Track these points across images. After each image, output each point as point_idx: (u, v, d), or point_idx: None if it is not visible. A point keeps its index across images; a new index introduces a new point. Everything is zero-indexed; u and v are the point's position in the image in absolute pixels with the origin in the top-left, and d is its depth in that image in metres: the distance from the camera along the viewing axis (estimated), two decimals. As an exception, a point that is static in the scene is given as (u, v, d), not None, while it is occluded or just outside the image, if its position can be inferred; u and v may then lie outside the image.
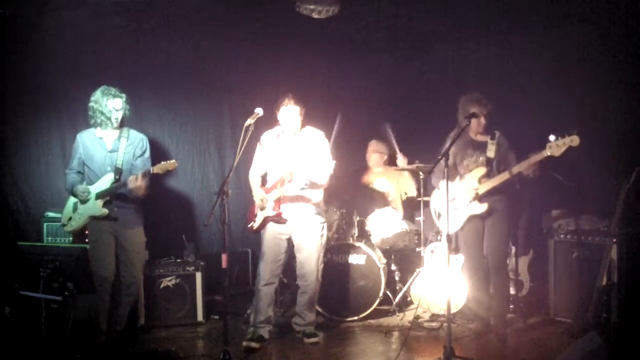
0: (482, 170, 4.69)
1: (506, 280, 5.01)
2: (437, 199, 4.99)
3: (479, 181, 4.69)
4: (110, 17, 5.38)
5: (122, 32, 5.65)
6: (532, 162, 4.46)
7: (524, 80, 5.69)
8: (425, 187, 5.70)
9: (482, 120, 4.73)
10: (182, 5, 5.20)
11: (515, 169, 4.54)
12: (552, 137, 4.32)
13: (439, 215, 4.99)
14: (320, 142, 4.76)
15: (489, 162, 4.68)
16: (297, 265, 4.85)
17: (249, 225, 4.85)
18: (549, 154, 4.35)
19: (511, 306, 5.34)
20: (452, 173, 4.80)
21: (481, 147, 4.74)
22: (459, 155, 4.82)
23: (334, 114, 6.84)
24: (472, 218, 4.78)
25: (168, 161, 4.62)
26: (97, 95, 4.62)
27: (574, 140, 4.27)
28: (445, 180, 4.48)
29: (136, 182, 4.50)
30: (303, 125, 4.76)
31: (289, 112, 4.64)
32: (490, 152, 4.67)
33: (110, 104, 4.60)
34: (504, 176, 4.59)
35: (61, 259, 4.25)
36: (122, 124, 4.73)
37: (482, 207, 4.70)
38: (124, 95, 4.64)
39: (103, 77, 4.98)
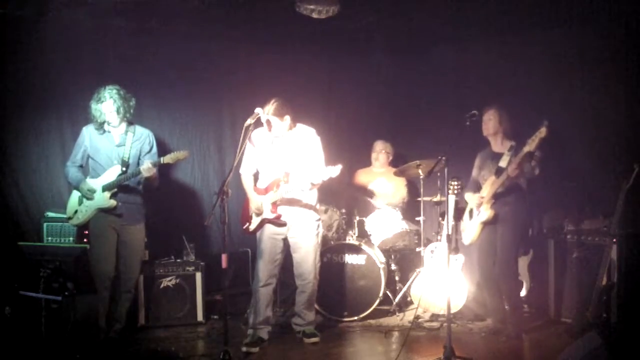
0: (493, 179, 4.77)
1: (514, 285, 5.03)
2: (465, 212, 5.10)
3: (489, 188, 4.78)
4: (110, 17, 5.39)
5: (122, 32, 5.65)
6: (516, 163, 4.55)
7: (524, 80, 5.69)
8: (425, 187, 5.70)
9: (490, 125, 4.81)
10: (182, 5, 5.20)
11: (508, 171, 4.61)
12: (544, 122, 4.40)
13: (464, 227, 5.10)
14: (312, 141, 4.73)
15: (498, 171, 4.73)
16: (294, 265, 4.84)
17: (244, 227, 4.83)
18: (525, 150, 4.47)
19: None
20: (478, 186, 4.97)
21: (499, 158, 4.81)
22: (481, 167, 4.99)
23: (333, 114, 6.86)
24: (484, 227, 4.86)
25: (179, 151, 4.64)
26: (91, 101, 4.65)
27: (542, 132, 4.38)
28: (469, 193, 5.00)
29: (150, 171, 4.54)
30: (294, 124, 4.71)
31: (264, 119, 4.58)
32: (503, 162, 4.73)
33: (101, 108, 4.62)
34: (501, 179, 4.67)
35: (61, 259, 4.26)
36: (131, 119, 4.75)
37: (487, 214, 4.79)
38: (114, 91, 4.60)
39: (103, 77, 4.99)
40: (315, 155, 4.69)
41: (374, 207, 5.90)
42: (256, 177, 4.88)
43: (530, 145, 4.45)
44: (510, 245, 4.84)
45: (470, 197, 4.98)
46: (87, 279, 4.56)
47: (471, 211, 4.98)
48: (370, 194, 6.14)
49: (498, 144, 4.90)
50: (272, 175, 4.69)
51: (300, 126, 4.76)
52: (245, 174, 4.85)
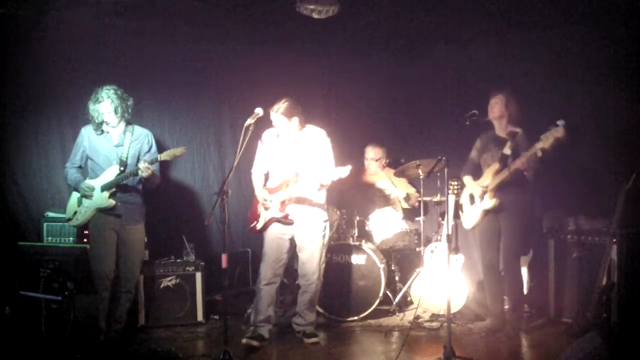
0: (496, 166, 4.76)
1: (517, 276, 5.00)
2: (463, 194, 5.07)
3: (493, 176, 4.77)
4: (110, 17, 5.39)
5: (122, 32, 5.65)
6: (527, 157, 4.53)
7: (524, 80, 5.69)
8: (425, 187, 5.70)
9: (496, 108, 4.80)
10: (182, 5, 5.20)
11: (513, 165, 4.61)
12: (560, 122, 4.38)
13: (461, 208, 5.07)
14: (321, 142, 4.75)
15: (502, 158, 4.72)
16: (298, 264, 4.85)
17: (252, 225, 4.85)
18: (539, 147, 4.43)
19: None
20: (479, 170, 4.96)
21: (502, 143, 4.79)
22: (482, 150, 4.96)
23: (334, 114, 6.86)
24: (486, 214, 4.84)
25: (176, 148, 4.65)
26: (89, 102, 4.65)
27: (558, 131, 4.35)
28: (468, 177, 4.94)
29: (147, 170, 4.53)
30: (303, 125, 4.75)
31: (275, 119, 4.62)
32: (507, 149, 4.72)
33: (99, 108, 4.62)
34: (505, 173, 4.65)
35: (61, 259, 4.25)
36: (129, 119, 4.75)
37: (491, 203, 4.77)
38: (111, 91, 4.60)
39: (103, 77, 4.99)
40: (325, 156, 4.70)
41: (374, 207, 5.90)
42: (267, 177, 4.90)
43: (544, 142, 4.41)
44: (516, 233, 4.83)
45: (471, 184, 4.95)
46: (87, 279, 4.55)
47: (471, 194, 4.97)
48: (373, 194, 6.12)
49: (502, 129, 4.86)
50: (282, 175, 4.70)
51: (311, 127, 4.79)
52: (256, 173, 4.87)
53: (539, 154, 4.48)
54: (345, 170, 4.36)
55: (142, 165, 4.54)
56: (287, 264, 4.93)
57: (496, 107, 4.83)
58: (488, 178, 4.80)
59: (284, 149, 4.75)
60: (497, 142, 4.85)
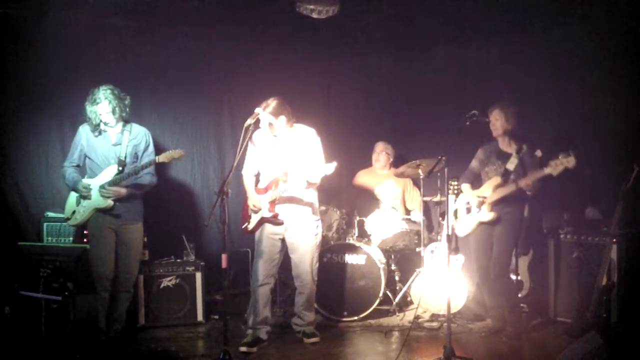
0: (497, 180, 4.76)
1: (509, 284, 5.06)
2: (459, 200, 5.07)
3: (494, 189, 4.77)
4: (110, 17, 5.39)
5: (122, 32, 5.65)
6: (533, 179, 4.57)
7: (524, 80, 5.69)
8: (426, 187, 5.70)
9: (498, 124, 4.81)
10: (182, 5, 5.20)
11: (519, 184, 4.63)
12: (572, 152, 4.40)
13: (456, 213, 5.07)
14: (311, 140, 4.73)
15: (505, 173, 4.74)
16: (292, 266, 4.84)
17: (244, 226, 4.85)
18: (547, 172, 4.46)
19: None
20: (479, 180, 4.98)
21: (505, 157, 4.81)
22: (484, 162, 4.97)
23: (333, 114, 6.86)
24: (481, 225, 4.86)
25: (174, 150, 4.64)
26: (86, 103, 4.64)
27: (570, 161, 4.38)
28: (466, 184, 4.94)
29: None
30: (292, 124, 4.71)
31: (261, 117, 4.58)
32: (511, 165, 4.74)
33: (97, 110, 4.61)
34: (510, 188, 4.68)
35: (61, 259, 4.25)
36: (127, 118, 4.75)
37: (489, 215, 4.79)
38: (108, 92, 4.59)
39: (103, 77, 4.98)
40: (314, 154, 4.69)
41: (375, 206, 5.89)
42: (258, 178, 4.89)
43: (553, 169, 4.43)
44: (509, 246, 4.87)
45: (470, 193, 4.95)
46: (87, 279, 4.56)
47: (468, 203, 4.97)
48: (375, 197, 6.11)
49: (505, 144, 4.88)
50: (272, 175, 4.70)
51: (300, 126, 4.76)
52: (247, 174, 4.86)
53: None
54: (330, 167, 4.36)
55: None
56: (287, 263, 4.91)
57: (498, 124, 4.81)
58: (488, 190, 4.81)
59: (274, 148, 4.73)
60: (500, 156, 4.86)
